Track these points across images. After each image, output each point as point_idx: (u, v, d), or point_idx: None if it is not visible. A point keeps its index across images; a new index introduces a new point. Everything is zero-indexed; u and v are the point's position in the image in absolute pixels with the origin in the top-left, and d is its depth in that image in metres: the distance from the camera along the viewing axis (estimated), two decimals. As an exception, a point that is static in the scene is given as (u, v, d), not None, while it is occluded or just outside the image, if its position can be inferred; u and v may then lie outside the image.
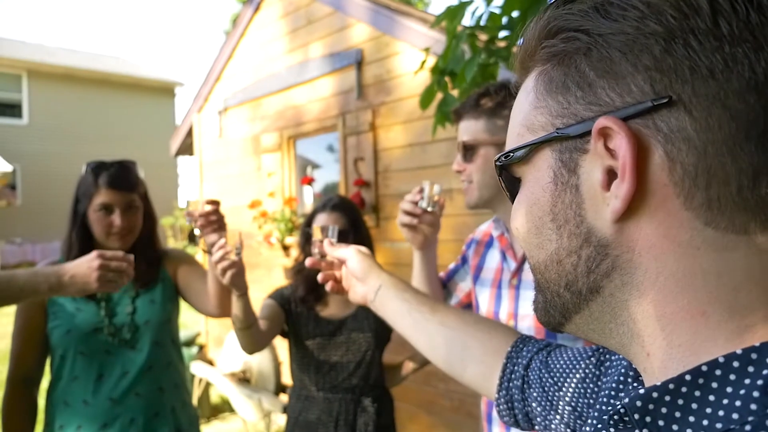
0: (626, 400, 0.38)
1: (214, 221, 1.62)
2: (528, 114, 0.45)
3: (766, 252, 0.36)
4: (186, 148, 6.28)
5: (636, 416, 0.38)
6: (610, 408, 0.41)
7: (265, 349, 1.79)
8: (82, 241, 1.64)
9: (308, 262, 1.07)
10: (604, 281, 0.41)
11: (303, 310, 1.90)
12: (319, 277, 1.05)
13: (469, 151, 1.35)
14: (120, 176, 1.65)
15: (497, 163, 0.48)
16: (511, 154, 0.46)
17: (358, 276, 0.95)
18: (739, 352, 0.35)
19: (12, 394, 1.61)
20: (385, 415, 1.91)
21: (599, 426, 0.43)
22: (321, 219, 1.87)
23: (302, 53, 4.47)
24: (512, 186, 0.49)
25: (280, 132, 4.67)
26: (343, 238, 1.83)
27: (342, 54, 4.05)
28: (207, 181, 5.73)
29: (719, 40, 0.35)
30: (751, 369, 0.34)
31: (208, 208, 1.58)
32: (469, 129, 1.36)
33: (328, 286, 1.04)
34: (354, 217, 1.92)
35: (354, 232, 1.88)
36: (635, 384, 0.52)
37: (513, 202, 0.49)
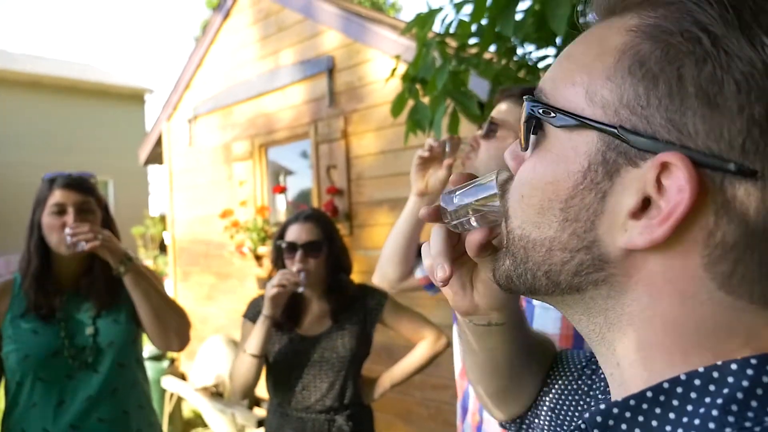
0: (587, 415, 0.38)
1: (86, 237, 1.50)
2: (595, 77, 0.38)
3: None
4: (156, 156, 6.16)
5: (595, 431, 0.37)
6: (581, 422, 0.39)
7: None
8: (39, 252, 1.57)
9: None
10: (590, 287, 0.39)
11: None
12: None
13: (492, 126, 1.31)
14: (75, 179, 1.62)
15: (533, 108, 0.41)
16: (552, 114, 0.39)
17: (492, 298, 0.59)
18: (701, 370, 0.34)
19: None
20: (363, 430, 1.87)
21: None
22: (294, 230, 1.81)
23: (273, 60, 4.42)
24: (530, 133, 0.42)
25: (252, 140, 4.61)
26: (317, 248, 1.80)
27: (313, 61, 4.02)
28: (177, 191, 5.62)
29: None
30: (712, 387, 0.33)
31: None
32: (502, 109, 1.33)
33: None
34: (328, 227, 1.88)
35: (328, 243, 1.84)
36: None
37: (523, 150, 0.43)
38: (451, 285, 0.58)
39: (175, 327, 1.66)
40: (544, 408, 0.68)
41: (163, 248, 11.99)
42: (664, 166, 0.34)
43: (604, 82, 0.37)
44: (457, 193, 0.52)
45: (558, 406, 0.65)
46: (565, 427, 0.63)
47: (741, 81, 0.32)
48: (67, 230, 1.50)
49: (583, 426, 0.38)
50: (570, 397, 0.64)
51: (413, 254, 1.52)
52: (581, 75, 0.38)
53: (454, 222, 0.53)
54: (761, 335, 0.35)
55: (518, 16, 1.81)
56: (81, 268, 1.64)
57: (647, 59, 0.35)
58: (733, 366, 0.33)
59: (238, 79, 4.75)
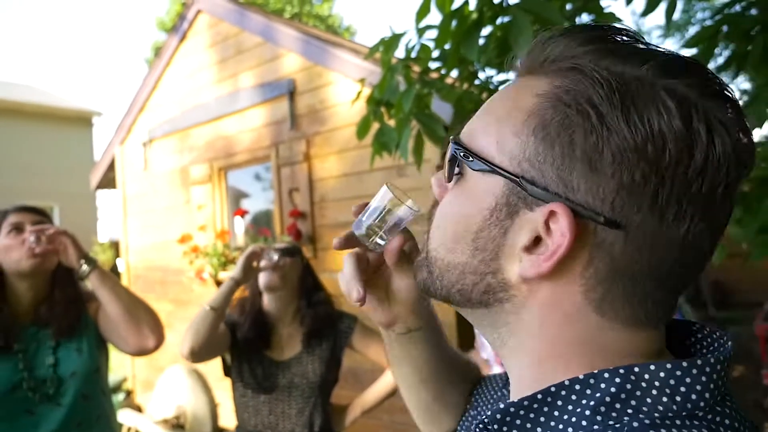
0: (489, 412, 0.44)
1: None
2: (505, 131, 0.45)
3: (639, 336, 0.43)
4: (108, 181, 5.97)
5: (495, 426, 0.43)
6: (484, 417, 0.46)
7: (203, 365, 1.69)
8: None
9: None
10: (496, 303, 0.46)
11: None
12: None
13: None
14: (28, 205, 1.61)
15: (455, 150, 0.47)
16: (470, 158, 0.46)
17: (408, 298, 0.66)
18: (581, 377, 0.41)
19: None
20: None
21: None
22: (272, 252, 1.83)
23: (232, 83, 4.39)
24: (454, 169, 0.49)
25: (210, 163, 4.54)
26: (293, 253, 1.83)
27: (273, 84, 4.01)
28: (131, 215, 5.46)
29: (684, 195, 0.39)
30: (588, 392, 0.41)
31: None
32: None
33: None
34: (306, 260, 1.92)
35: (306, 265, 1.87)
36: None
37: (446, 180, 0.49)
38: (369, 302, 0.65)
39: (149, 322, 1.59)
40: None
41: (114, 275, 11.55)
42: (552, 213, 0.41)
43: (513, 137, 0.44)
44: (363, 218, 0.60)
45: None
46: None
47: (616, 152, 0.39)
48: (28, 229, 1.49)
49: (486, 420, 0.44)
50: None
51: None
52: (495, 127, 0.45)
53: (369, 243, 0.60)
54: (620, 348, 0.43)
55: (480, 41, 1.86)
56: (39, 296, 1.56)
57: (548, 124, 0.42)
58: (606, 374, 0.41)
59: (196, 101, 4.69)
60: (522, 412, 0.43)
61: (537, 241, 0.42)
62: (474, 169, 0.46)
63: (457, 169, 0.48)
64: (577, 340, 0.43)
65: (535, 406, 0.42)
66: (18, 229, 1.51)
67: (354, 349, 1.88)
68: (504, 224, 0.44)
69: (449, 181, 0.49)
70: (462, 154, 0.47)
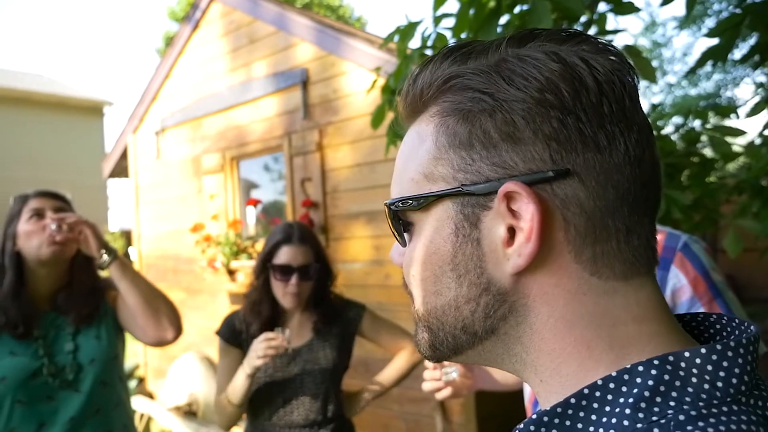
0: (521, 425, 0.42)
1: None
2: (426, 162, 0.46)
3: (641, 291, 0.43)
4: (120, 170, 6.01)
5: None
6: (516, 429, 0.44)
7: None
8: (14, 266, 1.50)
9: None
10: (500, 323, 0.44)
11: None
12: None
13: None
14: (49, 190, 1.62)
15: (391, 207, 0.48)
16: (410, 201, 0.46)
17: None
18: (614, 374, 0.40)
19: None
20: None
21: None
22: (288, 252, 1.76)
23: (244, 72, 4.38)
24: (402, 229, 0.49)
25: (222, 153, 4.55)
26: (311, 272, 1.77)
27: (286, 73, 4.00)
28: (143, 204, 5.49)
29: (602, 118, 0.41)
30: (624, 389, 0.39)
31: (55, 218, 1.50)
32: None
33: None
34: (318, 247, 1.85)
35: (319, 265, 1.81)
36: None
37: (402, 245, 0.50)
38: None
39: (168, 313, 1.60)
40: None
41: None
42: (508, 197, 0.41)
43: (434, 162, 0.45)
44: None
45: None
46: None
47: (525, 115, 0.41)
48: (50, 217, 1.49)
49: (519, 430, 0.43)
50: None
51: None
52: (414, 167, 0.47)
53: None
54: (636, 316, 0.42)
55: (498, 30, 1.84)
56: (58, 283, 1.57)
57: (456, 131, 0.44)
58: (640, 368, 0.39)
59: (208, 91, 4.69)
60: (557, 420, 0.40)
61: (512, 232, 0.42)
62: (419, 210, 0.46)
63: (403, 225, 0.49)
64: (589, 319, 0.42)
65: (570, 411, 0.40)
66: (39, 214, 1.51)
67: (364, 337, 1.89)
68: (473, 236, 0.43)
69: (404, 243, 0.50)
70: (401, 204, 0.47)
